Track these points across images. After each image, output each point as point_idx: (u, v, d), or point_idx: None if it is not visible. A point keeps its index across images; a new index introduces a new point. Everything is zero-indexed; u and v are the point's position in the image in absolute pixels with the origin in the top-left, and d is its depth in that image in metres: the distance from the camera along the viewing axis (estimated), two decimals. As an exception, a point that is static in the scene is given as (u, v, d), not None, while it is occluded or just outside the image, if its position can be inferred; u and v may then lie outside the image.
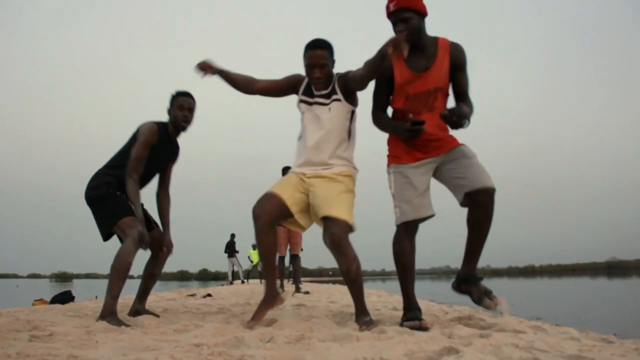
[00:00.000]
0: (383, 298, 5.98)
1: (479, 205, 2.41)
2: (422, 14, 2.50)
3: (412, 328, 2.32)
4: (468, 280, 2.53)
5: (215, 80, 2.88)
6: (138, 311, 3.09)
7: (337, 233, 2.42)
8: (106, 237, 2.91)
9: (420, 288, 17.16)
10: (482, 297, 2.46)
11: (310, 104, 2.70)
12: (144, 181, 3.05)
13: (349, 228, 2.48)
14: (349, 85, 2.62)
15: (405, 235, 2.55)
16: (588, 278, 28.33)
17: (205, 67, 2.83)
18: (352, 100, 2.68)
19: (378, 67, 2.41)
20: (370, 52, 2.38)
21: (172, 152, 3.19)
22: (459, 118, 2.28)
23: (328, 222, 2.47)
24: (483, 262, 2.54)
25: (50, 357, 1.55)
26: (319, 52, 2.60)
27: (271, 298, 2.68)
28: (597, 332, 2.49)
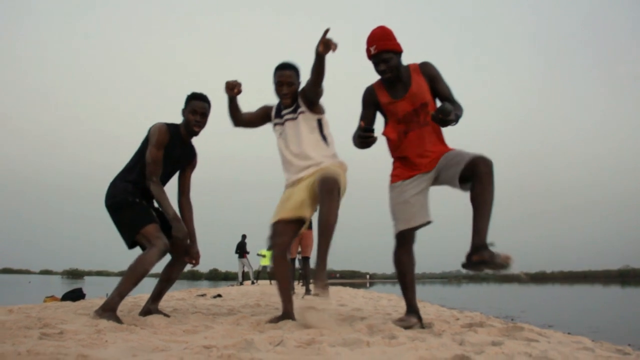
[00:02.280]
0: (393, 302, 5.95)
1: (476, 176, 2.44)
2: (400, 52, 2.71)
3: (400, 326, 2.48)
4: (479, 249, 2.40)
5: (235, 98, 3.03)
6: (149, 311, 3.10)
7: (331, 182, 2.64)
8: (131, 245, 2.89)
9: (431, 293, 17.07)
10: (493, 256, 2.35)
11: (282, 123, 3.01)
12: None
13: (340, 186, 2.69)
14: (307, 95, 2.89)
15: (400, 245, 2.72)
16: (600, 286, 27.99)
17: (236, 86, 2.95)
18: (316, 110, 2.95)
19: (319, 68, 2.69)
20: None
21: (186, 154, 3.16)
22: (444, 114, 2.41)
23: (322, 177, 2.67)
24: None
25: (60, 356, 1.55)
26: (287, 72, 2.96)
27: (287, 317, 2.81)
28: (611, 342, 2.45)
